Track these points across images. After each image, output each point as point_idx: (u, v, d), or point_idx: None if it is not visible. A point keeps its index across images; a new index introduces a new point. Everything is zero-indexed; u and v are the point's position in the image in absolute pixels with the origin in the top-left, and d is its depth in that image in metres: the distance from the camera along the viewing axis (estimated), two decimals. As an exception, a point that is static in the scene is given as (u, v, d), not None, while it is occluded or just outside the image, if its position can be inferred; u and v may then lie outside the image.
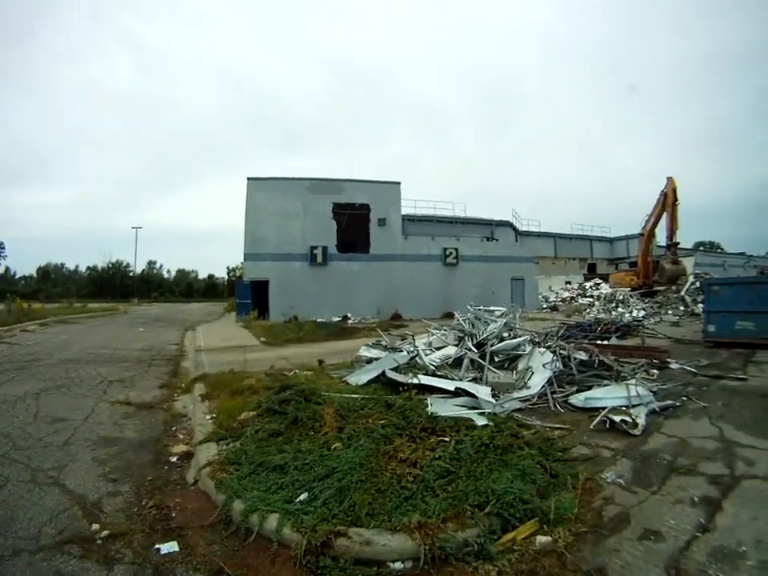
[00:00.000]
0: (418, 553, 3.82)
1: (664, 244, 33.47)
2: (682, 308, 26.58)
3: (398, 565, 3.85)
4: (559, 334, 14.00)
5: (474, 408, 7.52)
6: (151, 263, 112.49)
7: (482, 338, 10.59)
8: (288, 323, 26.63)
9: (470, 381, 9.04)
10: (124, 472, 6.08)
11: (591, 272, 54.11)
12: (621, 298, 28.93)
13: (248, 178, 32.95)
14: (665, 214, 31.07)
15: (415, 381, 8.73)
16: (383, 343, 13.21)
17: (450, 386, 8.42)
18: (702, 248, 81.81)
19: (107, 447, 7.02)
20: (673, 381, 10.04)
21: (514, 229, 49.74)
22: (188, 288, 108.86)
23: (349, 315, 31.33)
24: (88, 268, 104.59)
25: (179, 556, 4.11)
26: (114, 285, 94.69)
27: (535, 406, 8.20)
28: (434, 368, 9.85)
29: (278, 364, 12.82)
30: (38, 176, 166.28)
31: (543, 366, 9.43)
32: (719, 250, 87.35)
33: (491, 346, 10.11)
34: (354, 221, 33.48)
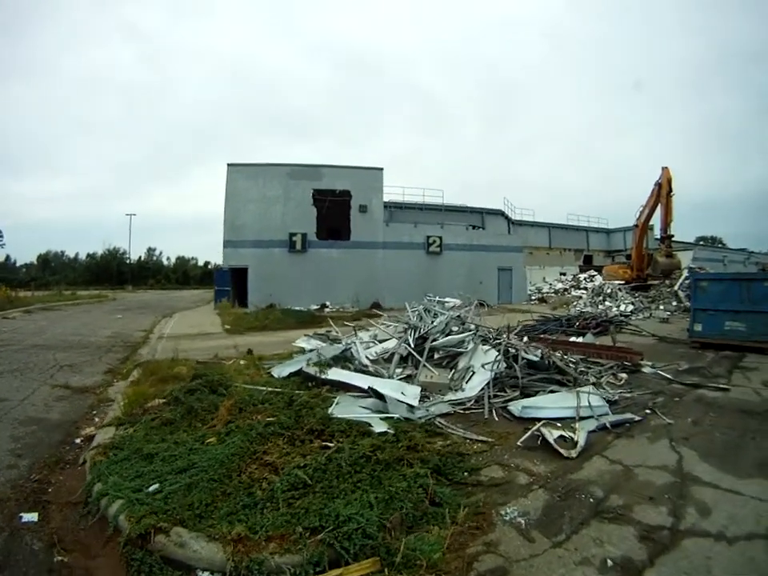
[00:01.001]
0: (225, 567, 3.54)
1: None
2: (674, 303, 25.21)
3: (205, 574, 3.62)
4: (515, 331, 12.69)
5: (380, 411, 6.78)
6: (151, 250, 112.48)
7: (424, 331, 9.62)
8: (263, 311, 25.97)
9: (402, 378, 8.38)
10: (31, 449, 6.36)
11: (587, 263, 52.85)
12: (609, 291, 27.63)
13: (228, 164, 32.28)
14: (659, 205, 29.54)
15: (329, 376, 8.20)
16: (334, 333, 12.40)
17: (363, 383, 7.65)
18: (701, 242, 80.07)
19: (28, 426, 7.30)
20: (642, 388, 8.90)
21: (507, 218, 48.37)
22: (184, 275, 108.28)
23: (327, 304, 30.53)
24: (88, 255, 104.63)
25: (35, 526, 4.43)
26: (111, 272, 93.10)
27: (467, 412, 7.36)
28: (368, 362, 9.13)
29: (226, 352, 12.66)
30: (41, 164, 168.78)
31: (483, 366, 8.46)
32: (720, 246, 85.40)
33: (433, 341, 9.24)
34: (334, 207, 32.74)
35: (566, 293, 38.44)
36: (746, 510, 4.39)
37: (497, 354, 8.81)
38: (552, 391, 7.86)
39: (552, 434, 6.04)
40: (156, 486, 4.55)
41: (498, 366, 8.40)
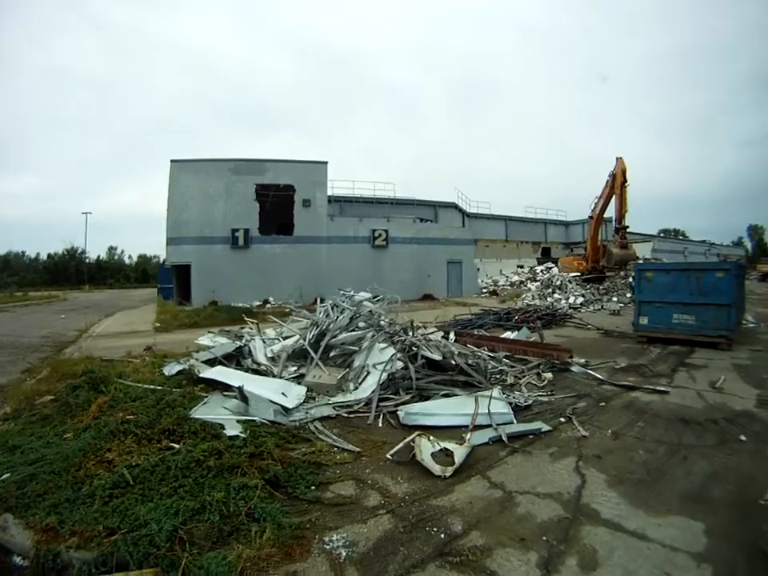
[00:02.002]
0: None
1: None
2: (628, 295, 24.52)
3: (18, 559, 3.61)
4: (446, 325, 12.05)
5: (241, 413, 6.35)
6: (112, 249, 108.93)
7: (324, 327, 9.15)
8: (199, 308, 25.16)
9: (293, 378, 8.06)
10: None
11: (545, 256, 52.23)
12: (558, 283, 26.98)
13: (171, 161, 31.21)
14: (614, 196, 28.79)
15: (203, 374, 7.67)
16: (246, 330, 11.88)
17: (237, 382, 6.94)
18: (662, 234, 79.89)
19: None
20: (567, 390, 7.97)
21: (461, 211, 48.03)
22: (144, 274, 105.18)
23: (270, 300, 29.51)
24: (48, 255, 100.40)
25: None
26: (70, 272, 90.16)
27: (352, 416, 6.75)
28: (264, 360, 8.89)
29: (141, 350, 11.74)
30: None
31: (374, 366, 7.92)
32: (681, 238, 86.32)
33: (333, 337, 8.76)
34: (278, 202, 31.94)
35: (522, 285, 37.70)
36: (648, 566, 3.35)
37: (393, 352, 8.13)
38: (447, 395, 7.08)
39: (430, 447, 5.23)
40: (7, 475, 4.55)
41: (392, 366, 7.74)
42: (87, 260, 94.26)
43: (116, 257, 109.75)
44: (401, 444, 5.36)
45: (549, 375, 8.63)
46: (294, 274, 30.11)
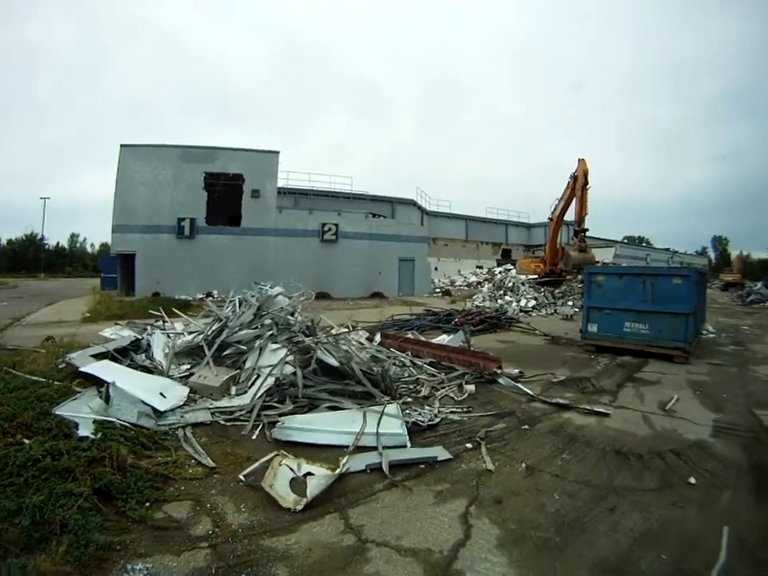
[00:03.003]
0: None
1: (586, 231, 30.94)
2: (585, 300, 23.43)
3: None
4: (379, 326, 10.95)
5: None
6: (74, 236, 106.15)
7: (221, 324, 8.56)
8: (135, 300, 24.27)
9: (184, 376, 7.44)
10: None
11: (505, 257, 52.37)
12: (510, 285, 26.08)
13: (121, 145, 29.83)
14: (575, 198, 28.18)
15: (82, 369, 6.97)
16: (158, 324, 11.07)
17: (110, 378, 6.33)
18: (626, 240, 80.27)
19: None
20: (489, 406, 6.93)
21: (420, 208, 46.85)
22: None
23: (214, 293, 27.98)
24: (8, 242, 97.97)
25: None
26: (28, 259, 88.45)
27: (229, 424, 6.04)
28: (160, 357, 8.24)
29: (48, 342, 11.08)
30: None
31: (261, 369, 7.24)
32: (644, 245, 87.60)
33: (232, 334, 8.18)
34: (226, 192, 31.03)
35: (479, 286, 37.01)
36: None
37: (286, 353, 7.40)
38: (333, 408, 6.22)
39: (288, 472, 4.44)
40: None
41: (281, 370, 7.00)
42: (47, 246, 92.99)
43: (78, 244, 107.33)
44: (257, 464, 4.66)
45: (471, 388, 7.62)
46: (239, 267, 28.92)
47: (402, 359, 8.99)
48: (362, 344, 9.51)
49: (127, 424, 5.51)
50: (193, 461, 4.89)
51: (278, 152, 31.87)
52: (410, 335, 11.38)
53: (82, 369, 6.90)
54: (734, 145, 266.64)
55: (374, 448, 5.00)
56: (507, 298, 24.00)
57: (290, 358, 7.31)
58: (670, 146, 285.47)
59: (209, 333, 8.28)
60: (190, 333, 9.18)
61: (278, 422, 5.74)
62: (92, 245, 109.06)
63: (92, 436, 5.06)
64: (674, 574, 3.22)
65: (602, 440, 5.69)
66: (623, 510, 4.07)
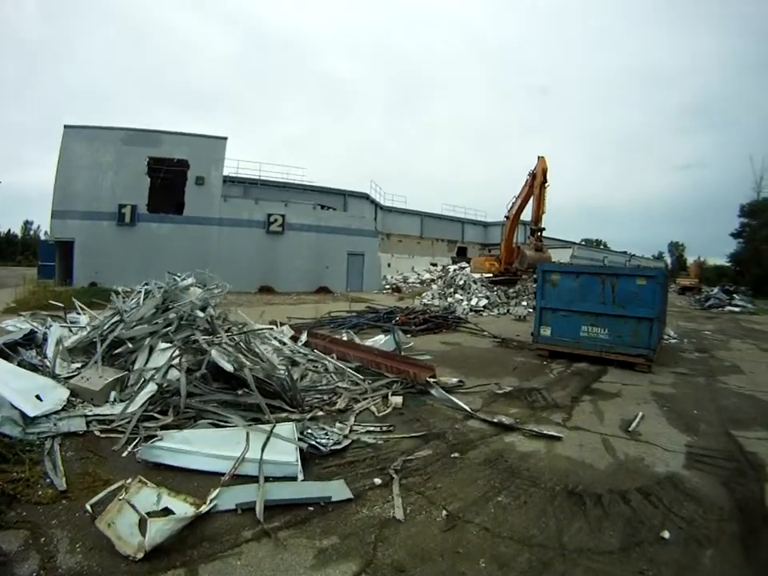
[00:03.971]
0: None
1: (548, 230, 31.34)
2: (540, 300, 22.81)
3: None
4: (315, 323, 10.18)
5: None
6: (27, 224, 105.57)
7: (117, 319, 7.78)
8: (70, 290, 22.22)
9: (71, 375, 6.66)
10: None
11: (461, 255, 51.37)
12: (462, 282, 25.58)
13: (65, 126, 28.48)
14: (532, 196, 27.96)
15: None
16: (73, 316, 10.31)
17: None
18: (584, 243, 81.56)
19: None
20: (415, 424, 5.88)
21: (373, 202, 46.32)
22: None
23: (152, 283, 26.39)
24: None
25: None
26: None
27: (104, 435, 5.22)
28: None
29: None
30: None
31: (144, 372, 6.43)
32: (602, 247, 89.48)
33: (129, 329, 7.35)
34: (170, 178, 29.66)
35: (432, 284, 36.05)
36: None
37: (173, 354, 6.38)
38: (216, 424, 5.24)
39: (146, 504, 3.53)
40: None
41: (163, 374, 6.09)
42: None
43: (32, 232, 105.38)
44: (103, 492, 3.78)
45: (398, 400, 6.60)
46: (180, 257, 27.04)
47: (326, 363, 8.03)
48: (284, 344, 8.63)
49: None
50: (48, 480, 4.19)
51: (225, 138, 30.95)
52: (344, 335, 10.38)
53: None
54: (698, 156, 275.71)
55: (255, 478, 4.01)
56: (457, 296, 23.50)
57: (184, 359, 6.20)
58: (635, 152, 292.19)
59: (105, 327, 7.52)
60: (94, 328, 8.26)
61: (156, 436, 4.84)
62: (46, 233, 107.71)
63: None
64: None
65: (551, 475, 4.63)
66: (571, 571, 3.06)
